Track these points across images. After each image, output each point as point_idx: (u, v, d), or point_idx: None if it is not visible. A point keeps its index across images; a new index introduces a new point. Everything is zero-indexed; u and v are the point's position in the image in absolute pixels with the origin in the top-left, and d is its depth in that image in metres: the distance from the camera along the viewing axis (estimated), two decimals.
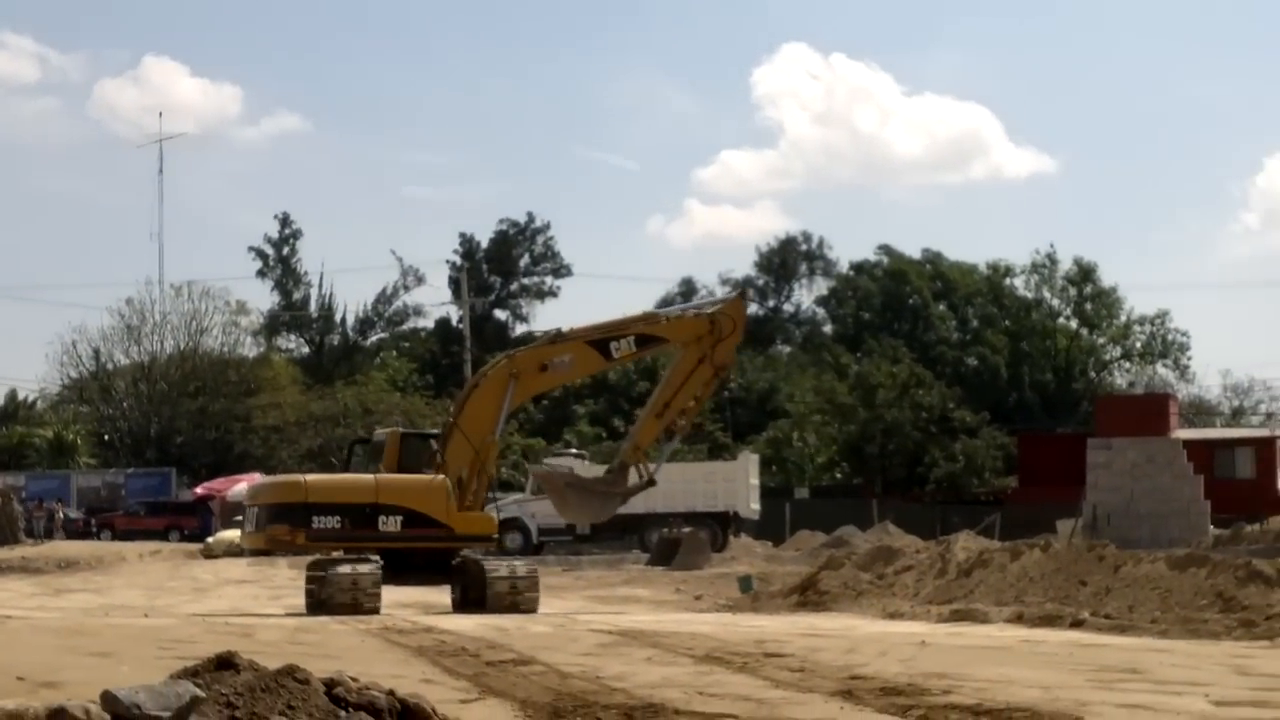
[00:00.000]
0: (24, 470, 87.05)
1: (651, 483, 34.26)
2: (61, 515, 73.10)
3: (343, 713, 9.58)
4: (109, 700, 8.93)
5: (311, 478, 34.27)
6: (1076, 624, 24.18)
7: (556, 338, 34.02)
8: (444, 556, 31.70)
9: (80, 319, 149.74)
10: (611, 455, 63.66)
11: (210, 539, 62.75)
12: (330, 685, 9.97)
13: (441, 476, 31.51)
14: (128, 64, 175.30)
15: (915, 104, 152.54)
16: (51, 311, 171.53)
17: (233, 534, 54.40)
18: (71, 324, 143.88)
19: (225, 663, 9.95)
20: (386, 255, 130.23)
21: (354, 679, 10.24)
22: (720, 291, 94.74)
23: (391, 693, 10.06)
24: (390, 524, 30.96)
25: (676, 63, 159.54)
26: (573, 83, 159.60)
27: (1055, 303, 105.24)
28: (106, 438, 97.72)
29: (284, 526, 31.37)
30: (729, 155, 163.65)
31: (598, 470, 53.10)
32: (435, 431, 34.59)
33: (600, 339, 33.25)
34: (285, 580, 43.22)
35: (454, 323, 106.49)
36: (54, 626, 23.71)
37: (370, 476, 32.67)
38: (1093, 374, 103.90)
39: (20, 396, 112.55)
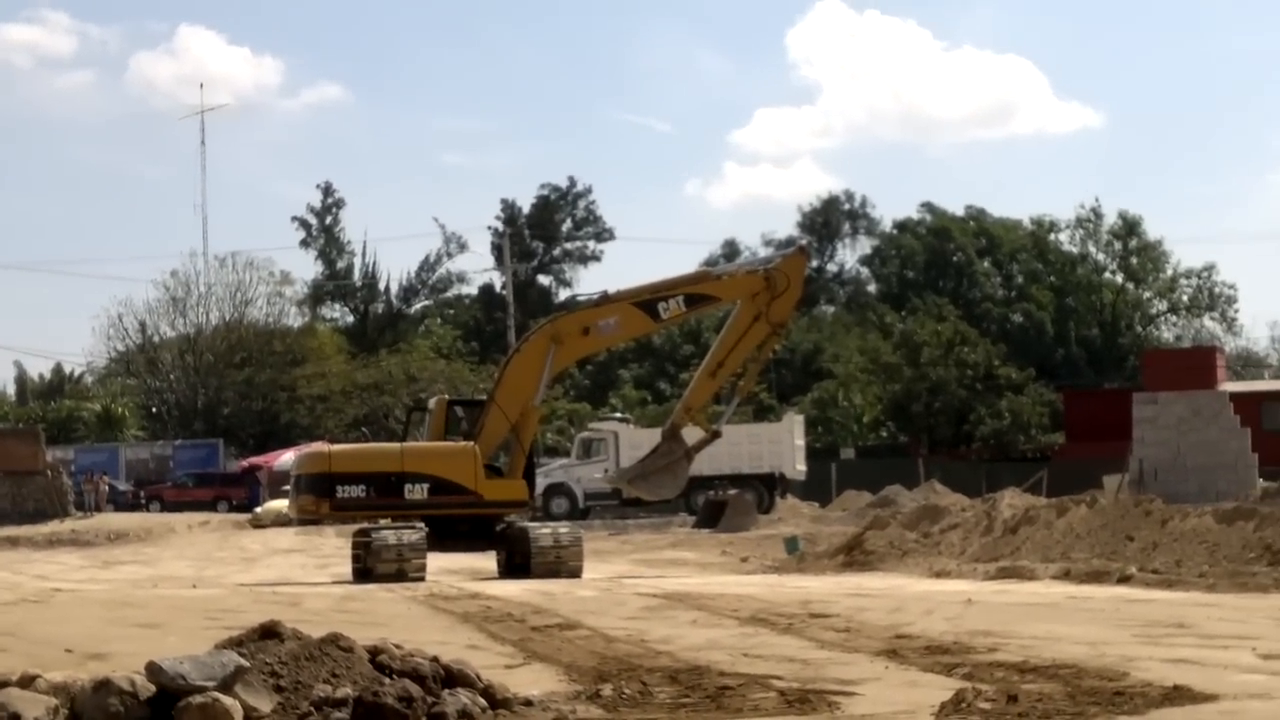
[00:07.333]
0: (73, 444, 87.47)
1: (717, 434, 34.05)
2: (106, 487, 73.42)
3: (387, 680, 9.61)
4: (154, 671, 8.98)
5: (336, 448, 34.41)
6: (1124, 579, 24.09)
7: (602, 300, 33.79)
8: (488, 523, 31.67)
9: (125, 292, 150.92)
10: (656, 419, 63.83)
11: (259, 509, 63.08)
12: (374, 653, 10.01)
13: (469, 443, 31.45)
14: (163, 36, 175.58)
15: (955, 59, 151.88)
16: (97, 285, 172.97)
17: (281, 504, 54.70)
18: (117, 297, 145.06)
19: (269, 632, 9.99)
20: (429, 223, 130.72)
21: (398, 646, 10.27)
22: (764, 252, 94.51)
23: (436, 659, 10.09)
24: (417, 492, 30.94)
25: (709, 24, 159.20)
26: (606, 46, 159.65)
27: (1100, 257, 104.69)
28: (154, 410, 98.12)
29: (310, 497, 31.54)
30: (766, 114, 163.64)
31: (645, 435, 53.23)
32: (483, 399, 34.49)
33: (648, 300, 32.88)
34: (333, 549, 43.42)
35: (497, 289, 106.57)
36: (102, 598, 23.86)
37: (397, 445, 32.78)
38: (1139, 328, 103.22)
39: (67, 370, 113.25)
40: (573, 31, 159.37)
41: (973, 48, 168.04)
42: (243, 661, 9.21)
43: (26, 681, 9.24)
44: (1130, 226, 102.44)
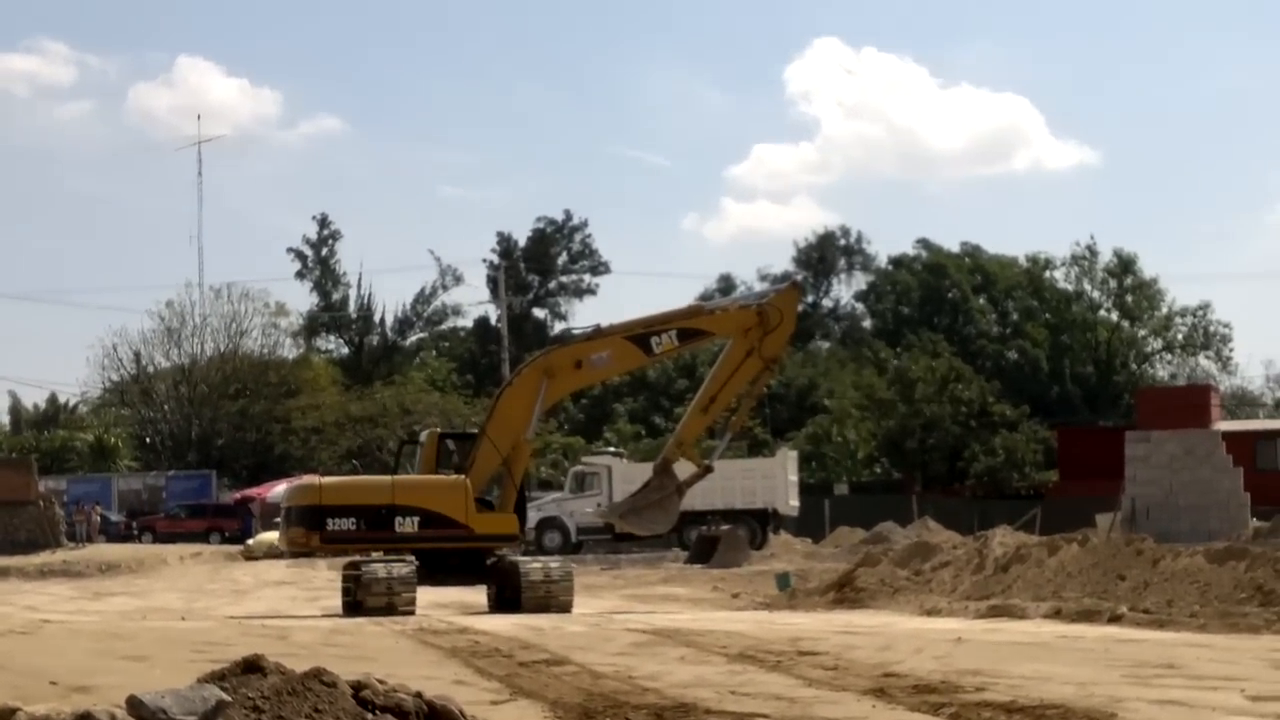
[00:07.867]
0: (66, 474, 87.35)
1: (709, 469, 33.89)
2: (98, 518, 73.30)
3: (370, 715, 9.55)
4: (134, 705, 8.93)
5: (327, 480, 34.16)
6: (1114, 619, 24.03)
7: (595, 334, 33.73)
8: (479, 557, 31.61)
9: (120, 322, 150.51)
10: (650, 453, 63.76)
11: (251, 541, 62.97)
12: (358, 688, 9.95)
13: (460, 477, 31.38)
14: (162, 67, 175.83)
15: (952, 96, 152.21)
16: (92, 315, 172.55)
17: (273, 536, 54.58)
18: (112, 328, 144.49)
19: (252, 666, 9.93)
20: (425, 255, 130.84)
21: (382, 681, 10.21)
22: (759, 287, 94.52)
23: (419, 695, 10.03)
24: (407, 525, 30.86)
25: (707, 60, 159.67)
26: (605, 81, 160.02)
27: (1096, 295, 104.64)
28: (148, 440, 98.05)
29: (300, 529, 31.45)
30: (763, 150, 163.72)
31: (638, 470, 53.17)
32: (474, 432, 34.45)
33: (641, 334, 32.86)
34: (324, 582, 43.30)
35: (493, 322, 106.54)
36: (90, 630, 23.78)
37: (387, 478, 32.69)
38: (1134, 366, 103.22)
39: (61, 400, 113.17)
40: (571, 66, 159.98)
41: (970, 85, 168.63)
42: (224, 696, 9.15)
43: (7, 714, 9.19)
44: (1126, 264, 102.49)
